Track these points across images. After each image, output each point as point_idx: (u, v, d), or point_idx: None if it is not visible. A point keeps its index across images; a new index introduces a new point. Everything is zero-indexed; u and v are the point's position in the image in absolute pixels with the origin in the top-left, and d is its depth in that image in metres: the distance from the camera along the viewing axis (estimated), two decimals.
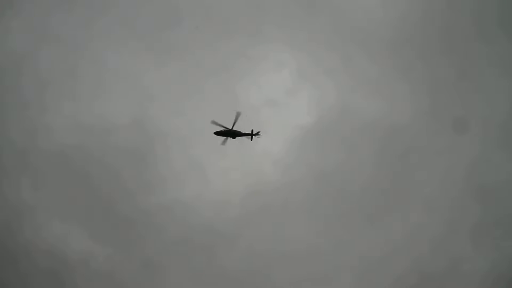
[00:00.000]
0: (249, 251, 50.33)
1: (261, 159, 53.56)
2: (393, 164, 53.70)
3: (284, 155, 55.89)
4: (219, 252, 50.64)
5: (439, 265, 52.89)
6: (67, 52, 65.47)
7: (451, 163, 53.48)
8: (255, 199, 51.92)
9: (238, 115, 67.72)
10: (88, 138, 52.61)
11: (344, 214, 52.26)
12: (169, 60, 66.05)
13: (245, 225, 51.08)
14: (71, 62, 65.81)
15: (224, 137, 67.98)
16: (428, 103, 62.90)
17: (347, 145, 56.00)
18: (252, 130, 69.24)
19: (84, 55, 65.50)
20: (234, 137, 69.26)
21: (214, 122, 66.80)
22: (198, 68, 67.31)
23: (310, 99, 66.57)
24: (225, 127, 68.21)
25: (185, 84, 66.85)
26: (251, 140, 68.82)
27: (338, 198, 52.65)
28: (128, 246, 50.59)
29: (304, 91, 66.95)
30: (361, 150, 55.51)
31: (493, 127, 62.74)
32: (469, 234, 53.78)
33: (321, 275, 51.10)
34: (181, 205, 50.98)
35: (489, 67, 64.37)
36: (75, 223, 50.25)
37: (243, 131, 68.44)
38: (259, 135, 68.90)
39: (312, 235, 51.42)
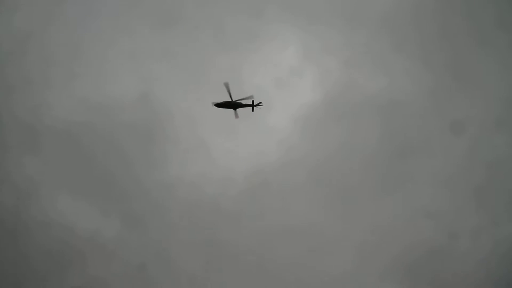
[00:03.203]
0: (253, 227, 49.32)
1: (266, 138, 53.10)
2: (397, 141, 52.96)
3: (288, 133, 55.21)
4: (223, 228, 49.42)
5: (442, 241, 51.05)
6: (73, 30, 65.53)
7: (454, 139, 52.32)
8: (259, 177, 51.36)
9: (227, 85, 63.60)
10: (94, 115, 52.48)
11: (347, 191, 51.22)
12: (175, 39, 66.03)
13: (248, 202, 50.19)
14: (77, 39, 65.92)
15: (230, 109, 63.91)
16: (433, 79, 61.81)
17: (351, 123, 55.38)
18: (253, 101, 65.36)
19: (90, 33, 65.57)
20: (234, 109, 64.99)
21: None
22: (203, 47, 66.97)
23: (315, 77, 66.05)
24: (228, 101, 64.16)
25: (190, 62, 66.27)
26: (252, 111, 64.95)
27: (342, 175, 51.66)
28: (134, 222, 49.59)
29: (309, 69, 66.10)
30: (366, 128, 54.70)
31: (493, 107, 61.32)
32: (471, 211, 52.13)
33: (323, 249, 49.70)
34: (185, 182, 50.21)
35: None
36: (82, 200, 49.47)
37: (244, 102, 64.68)
38: (261, 105, 65.10)
39: (315, 211, 50.37)
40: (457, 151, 54.32)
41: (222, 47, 67.61)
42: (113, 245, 50.56)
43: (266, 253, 49.97)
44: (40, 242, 50.09)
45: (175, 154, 51.87)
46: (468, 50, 64.94)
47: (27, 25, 66.63)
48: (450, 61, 64.87)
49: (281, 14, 68.63)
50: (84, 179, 51.51)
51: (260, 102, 65.92)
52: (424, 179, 52.27)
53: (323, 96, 64.38)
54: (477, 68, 65.50)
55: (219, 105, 65.99)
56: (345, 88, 64.75)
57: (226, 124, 57.07)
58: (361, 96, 64.45)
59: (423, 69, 64.74)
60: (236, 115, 68.33)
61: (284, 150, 52.43)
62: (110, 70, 65.33)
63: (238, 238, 50.16)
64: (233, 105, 66.00)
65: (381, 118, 57.29)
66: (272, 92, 64.31)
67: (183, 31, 67.06)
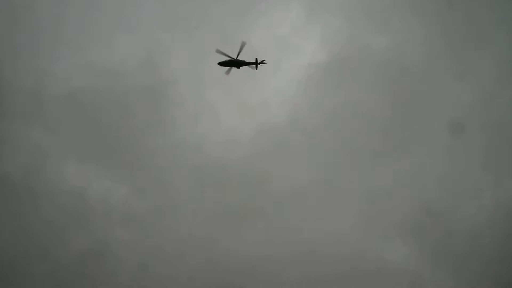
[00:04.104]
0: (259, 188, 50.56)
1: (271, 99, 53.14)
2: (402, 102, 53.09)
3: (292, 94, 55.08)
4: (229, 190, 50.77)
5: (446, 202, 52.66)
6: None
7: (457, 95, 52.44)
8: (265, 138, 52.01)
9: (243, 44, 63.09)
10: (99, 81, 52.38)
11: (352, 151, 52.16)
12: (178, 2, 64.95)
13: (254, 163, 51.10)
14: (81, 7, 64.87)
15: (228, 67, 63.70)
16: (443, 44, 61.17)
17: (354, 82, 55.32)
18: (257, 59, 65.02)
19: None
20: (238, 67, 64.76)
21: (218, 51, 62.34)
22: (206, 10, 65.98)
23: (318, 38, 65.60)
24: (229, 57, 63.72)
25: (193, 26, 65.55)
26: (256, 69, 64.69)
27: (347, 136, 52.22)
28: (142, 185, 50.91)
29: (312, 30, 65.45)
30: (371, 88, 54.72)
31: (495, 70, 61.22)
32: (476, 173, 53.29)
33: (329, 209, 51.32)
34: (191, 145, 50.86)
35: None
36: (90, 164, 50.33)
37: (247, 60, 64.33)
38: (264, 63, 64.94)
39: (320, 172, 51.38)
40: (461, 110, 54.11)
41: (225, 9, 66.17)
42: (121, 208, 51.50)
43: (272, 214, 51.09)
44: (50, 206, 50.94)
45: (180, 117, 51.77)
46: (469, 10, 63.60)
47: None
48: (451, 18, 63.75)
49: None
50: (91, 145, 51.70)
51: (264, 60, 65.32)
52: (428, 139, 52.52)
53: (326, 56, 63.56)
54: (478, 27, 64.37)
55: (223, 63, 65.44)
56: (348, 47, 63.84)
57: (230, 86, 56.59)
58: (364, 55, 63.67)
59: (425, 27, 63.74)
60: (228, 73, 67.35)
61: (288, 110, 52.20)
62: (115, 35, 64.18)
63: (245, 199, 51.08)
64: (237, 63, 65.35)
65: (384, 76, 56.83)
66: (276, 54, 63.55)
67: None
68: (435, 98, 55.36)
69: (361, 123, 52.93)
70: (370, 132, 53.13)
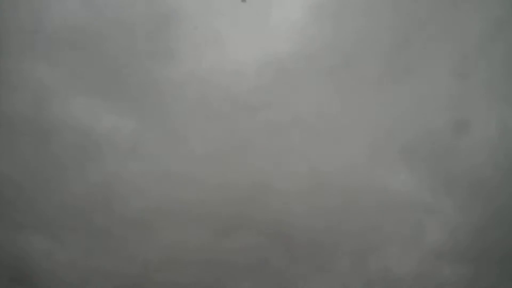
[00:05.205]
0: (266, 121, 50.53)
1: (279, 29, 52.04)
2: (411, 33, 51.96)
3: (303, 24, 54.04)
4: (238, 122, 50.82)
5: (453, 131, 52.21)
6: None
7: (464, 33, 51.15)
8: (272, 68, 51.38)
9: None
10: (100, 12, 51.43)
11: (362, 80, 51.52)
12: None
13: (262, 93, 50.90)
14: None
15: None
16: None
17: (367, 12, 53.87)
18: None
19: None
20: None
21: None
22: None
23: None
24: None
25: None
26: None
27: (356, 65, 51.73)
28: (150, 117, 51.08)
29: None
30: (382, 18, 53.43)
31: None
32: (483, 99, 52.62)
33: (335, 139, 51.34)
34: (197, 76, 50.71)
35: None
36: (97, 99, 50.68)
37: None
38: None
39: (326, 102, 51.02)
40: (470, 38, 52.80)
41: None
42: (130, 141, 51.93)
43: (278, 142, 51.32)
44: (59, 141, 51.54)
45: (186, 48, 51.37)
46: None
47: None
48: None
49: None
50: (95, 79, 51.58)
51: None
52: (436, 67, 51.72)
53: None
54: None
55: None
56: None
57: (238, 15, 54.95)
58: None
59: None
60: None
61: (298, 40, 51.32)
62: None
63: (251, 127, 51.35)
64: None
65: (398, 11, 55.05)
66: None
67: None
68: (446, 29, 53.95)
69: (373, 53, 52.05)
70: (376, 60, 52.27)
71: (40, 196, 51.04)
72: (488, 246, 50.46)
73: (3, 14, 51.24)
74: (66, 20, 53.90)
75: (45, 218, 51.08)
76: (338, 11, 57.10)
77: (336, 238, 51.69)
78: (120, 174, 51.37)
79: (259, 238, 50.83)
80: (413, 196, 51.65)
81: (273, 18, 57.86)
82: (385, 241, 52.88)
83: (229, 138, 50.49)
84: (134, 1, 53.70)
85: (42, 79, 52.76)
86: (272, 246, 51.66)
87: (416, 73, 52.81)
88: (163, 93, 53.32)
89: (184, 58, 52.64)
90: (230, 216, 50.09)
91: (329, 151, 52.25)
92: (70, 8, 52.58)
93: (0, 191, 50.67)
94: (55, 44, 52.63)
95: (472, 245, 51.29)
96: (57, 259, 50.70)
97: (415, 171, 53.25)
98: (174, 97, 52.40)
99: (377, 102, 52.58)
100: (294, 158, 51.68)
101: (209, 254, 50.79)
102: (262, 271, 51.48)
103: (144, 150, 52.73)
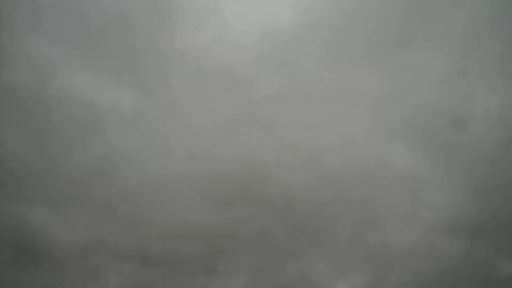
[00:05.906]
0: (266, 94, 50.50)
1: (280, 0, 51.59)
2: (411, 5, 51.34)
3: None
4: (237, 93, 50.86)
5: (455, 106, 52.03)
6: None
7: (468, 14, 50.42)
8: (273, 40, 51.27)
9: None
10: None
11: (362, 53, 51.34)
12: None
13: (262, 66, 50.78)
14: None
15: None
16: None
17: None
18: None
19: None
20: None
21: None
22: None
23: None
24: None
25: None
26: None
27: (355, 39, 51.40)
28: (152, 89, 51.37)
29: None
30: None
31: None
32: (487, 75, 52.28)
33: (335, 112, 51.30)
34: (198, 46, 50.64)
35: None
36: (98, 73, 50.90)
37: None
38: None
39: (326, 74, 50.99)
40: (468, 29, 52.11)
41: None
42: (131, 114, 52.15)
43: (278, 114, 51.32)
44: (61, 115, 51.72)
45: (185, 19, 51.11)
46: None
47: None
48: None
49: None
50: (97, 53, 51.71)
51: None
52: (433, 46, 51.18)
53: None
54: None
55: None
56: None
57: None
58: None
59: None
60: None
61: (298, 13, 50.82)
62: None
63: (251, 100, 51.31)
64: None
65: None
66: None
67: None
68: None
69: (373, 25, 51.54)
70: (381, 32, 51.80)
71: (42, 169, 51.39)
72: (485, 220, 50.69)
73: None
74: None
75: (48, 191, 51.49)
76: None
77: (335, 211, 51.92)
78: (121, 148, 51.62)
79: (259, 210, 51.12)
80: (412, 171, 51.62)
81: None
82: (384, 215, 53.07)
83: (229, 111, 50.52)
84: None
85: (45, 54, 52.69)
86: (272, 219, 52.02)
87: (415, 47, 52.55)
88: (163, 65, 53.04)
89: (185, 29, 52.23)
90: (231, 189, 50.33)
91: (329, 124, 52.12)
92: None
93: (4, 165, 51.06)
94: (55, 21, 52.35)
95: (469, 219, 51.48)
96: (60, 231, 51.32)
97: (414, 145, 53.10)
98: (175, 70, 52.18)
99: (377, 75, 52.40)
100: (294, 131, 51.69)
101: (210, 226, 51.17)
102: (263, 243, 51.92)
103: (145, 123, 52.87)
